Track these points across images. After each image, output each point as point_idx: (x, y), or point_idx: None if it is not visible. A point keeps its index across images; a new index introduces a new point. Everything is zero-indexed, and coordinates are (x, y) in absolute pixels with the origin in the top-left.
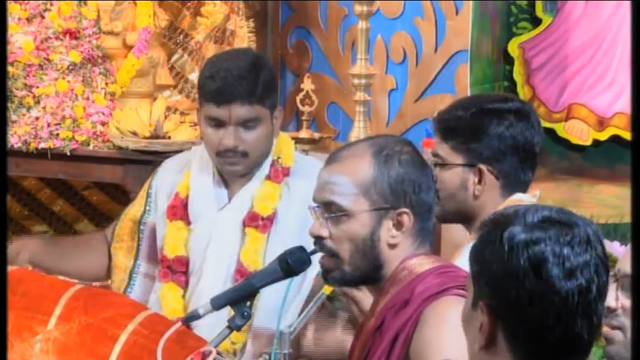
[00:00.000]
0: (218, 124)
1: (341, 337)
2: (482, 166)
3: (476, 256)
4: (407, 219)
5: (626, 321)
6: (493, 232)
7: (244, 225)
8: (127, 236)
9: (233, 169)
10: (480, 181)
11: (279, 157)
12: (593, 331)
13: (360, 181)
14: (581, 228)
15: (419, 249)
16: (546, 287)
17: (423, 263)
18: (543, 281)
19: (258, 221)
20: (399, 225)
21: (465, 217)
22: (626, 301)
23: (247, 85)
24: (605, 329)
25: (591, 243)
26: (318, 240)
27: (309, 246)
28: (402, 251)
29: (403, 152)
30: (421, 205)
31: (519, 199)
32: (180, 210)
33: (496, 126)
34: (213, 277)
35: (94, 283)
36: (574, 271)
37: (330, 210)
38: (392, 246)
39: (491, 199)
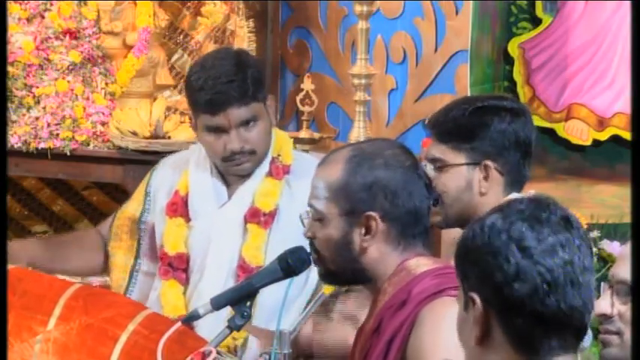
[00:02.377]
0: (219, 131)
1: (338, 327)
2: (489, 162)
3: (459, 255)
4: (374, 224)
5: (623, 326)
6: (471, 228)
7: (246, 221)
8: (125, 235)
9: (242, 168)
10: (486, 178)
11: (279, 155)
12: (588, 303)
13: (330, 185)
14: (557, 209)
15: (405, 254)
16: (530, 260)
17: (421, 264)
18: (527, 255)
19: (259, 217)
20: (367, 229)
21: (468, 219)
22: (621, 307)
23: (238, 87)
24: (601, 334)
25: (572, 223)
26: (310, 241)
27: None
28: (382, 255)
29: (380, 156)
30: (396, 210)
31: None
32: (180, 207)
33: (499, 122)
34: (215, 274)
35: (93, 282)
36: (555, 247)
37: (312, 213)
38: (364, 250)
39: (496, 195)
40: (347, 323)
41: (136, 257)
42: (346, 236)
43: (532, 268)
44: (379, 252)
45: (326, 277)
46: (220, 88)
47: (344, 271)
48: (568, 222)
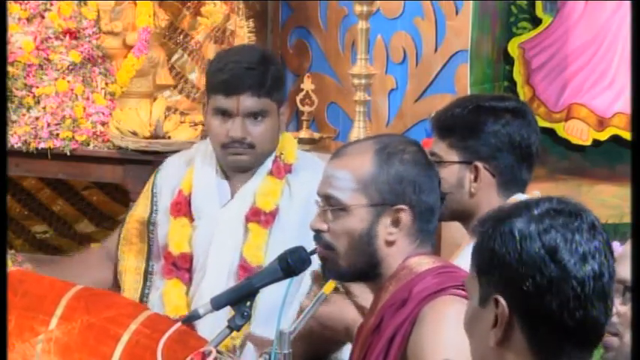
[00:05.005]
0: (226, 115)
1: (342, 304)
2: (478, 164)
3: (482, 253)
4: (405, 216)
5: (622, 327)
6: (498, 227)
7: (247, 220)
8: (135, 238)
9: (239, 159)
10: (475, 179)
11: (281, 154)
12: (608, 314)
13: (359, 176)
14: (586, 215)
15: (418, 249)
16: (564, 273)
17: (423, 263)
18: (560, 267)
19: (260, 216)
20: (396, 222)
21: (461, 216)
22: (621, 308)
23: (256, 77)
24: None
25: (597, 229)
26: (317, 233)
27: (310, 243)
28: (399, 250)
29: (406, 152)
30: (421, 205)
31: (519, 199)
32: (184, 207)
33: (492, 123)
34: (216, 274)
35: None
36: (586, 257)
37: (329, 203)
38: (389, 243)
39: (488, 197)
40: (346, 301)
41: (148, 260)
42: (371, 228)
43: (565, 282)
44: (399, 246)
45: (332, 273)
46: (239, 72)
47: (355, 265)
48: (595, 228)
